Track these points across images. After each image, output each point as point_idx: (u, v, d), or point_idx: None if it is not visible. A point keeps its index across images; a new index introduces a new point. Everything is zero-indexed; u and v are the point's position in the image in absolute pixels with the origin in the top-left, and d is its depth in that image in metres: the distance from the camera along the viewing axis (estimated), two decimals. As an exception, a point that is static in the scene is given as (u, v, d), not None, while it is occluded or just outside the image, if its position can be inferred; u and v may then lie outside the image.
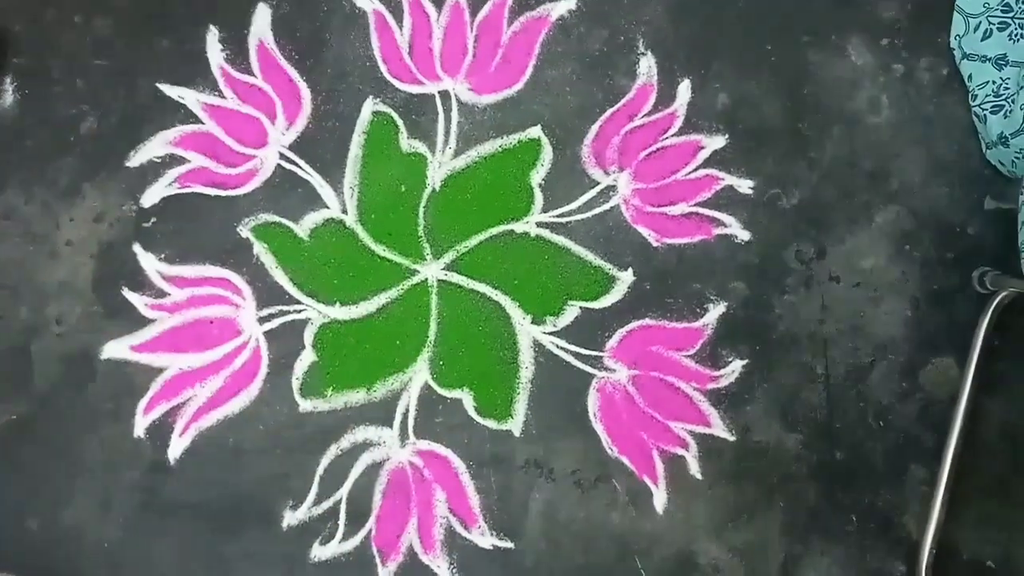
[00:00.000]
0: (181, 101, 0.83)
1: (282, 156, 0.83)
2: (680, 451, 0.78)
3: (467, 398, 0.79)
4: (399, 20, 0.85)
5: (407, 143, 0.83)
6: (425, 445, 0.78)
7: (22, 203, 0.83)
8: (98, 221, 0.82)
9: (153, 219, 0.82)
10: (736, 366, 0.79)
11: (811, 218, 0.81)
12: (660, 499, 0.77)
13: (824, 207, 0.81)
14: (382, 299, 0.81)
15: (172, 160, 0.83)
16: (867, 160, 0.81)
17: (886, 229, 0.80)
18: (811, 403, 0.78)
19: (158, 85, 0.83)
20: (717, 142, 0.82)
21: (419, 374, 0.79)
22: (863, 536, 0.76)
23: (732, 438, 0.78)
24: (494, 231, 0.82)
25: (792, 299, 0.80)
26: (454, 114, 0.83)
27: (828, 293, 0.79)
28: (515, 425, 0.79)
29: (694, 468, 0.77)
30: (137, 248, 0.82)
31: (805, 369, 0.78)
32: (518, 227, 0.82)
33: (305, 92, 0.84)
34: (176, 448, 0.79)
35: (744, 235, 0.81)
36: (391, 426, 0.79)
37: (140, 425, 0.79)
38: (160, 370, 0.80)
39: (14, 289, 0.82)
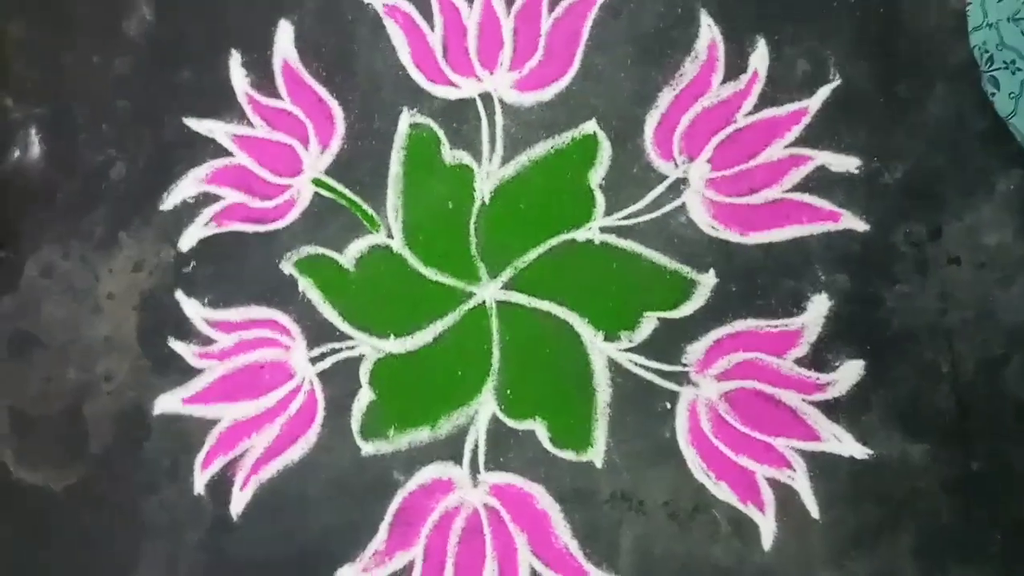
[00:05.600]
0: (210, 135, 0.81)
1: (318, 183, 0.79)
2: (787, 472, 0.70)
3: (540, 428, 0.74)
4: (429, 21, 0.80)
5: (450, 155, 0.78)
6: (499, 482, 0.73)
7: (60, 258, 0.82)
8: (137, 270, 0.81)
9: (193, 263, 0.80)
10: (845, 370, 0.71)
11: (920, 193, 0.72)
12: (768, 528, 0.70)
13: (933, 179, 0.72)
14: (438, 327, 0.77)
15: (206, 199, 0.81)
16: (978, 119, 0.72)
17: (1009, 197, 0.71)
18: (937, 407, 0.70)
19: (184, 120, 0.81)
20: (800, 116, 0.74)
21: (485, 406, 0.75)
22: (1010, 556, 0.68)
23: (847, 454, 0.70)
24: (554, 242, 0.76)
25: (905, 289, 0.71)
26: (498, 117, 0.78)
27: (948, 278, 0.71)
28: (596, 455, 0.73)
29: (805, 491, 0.70)
30: (179, 295, 0.80)
31: (927, 368, 0.70)
32: (580, 235, 0.76)
33: (337, 111, 0.80)
34: (238, 503, 0.76)
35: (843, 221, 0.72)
36: (460, 464, 0.74)
37: (200, 482, 0.77)
38: (214, 422, 0.78)
39: (61, 349, 0.81)
